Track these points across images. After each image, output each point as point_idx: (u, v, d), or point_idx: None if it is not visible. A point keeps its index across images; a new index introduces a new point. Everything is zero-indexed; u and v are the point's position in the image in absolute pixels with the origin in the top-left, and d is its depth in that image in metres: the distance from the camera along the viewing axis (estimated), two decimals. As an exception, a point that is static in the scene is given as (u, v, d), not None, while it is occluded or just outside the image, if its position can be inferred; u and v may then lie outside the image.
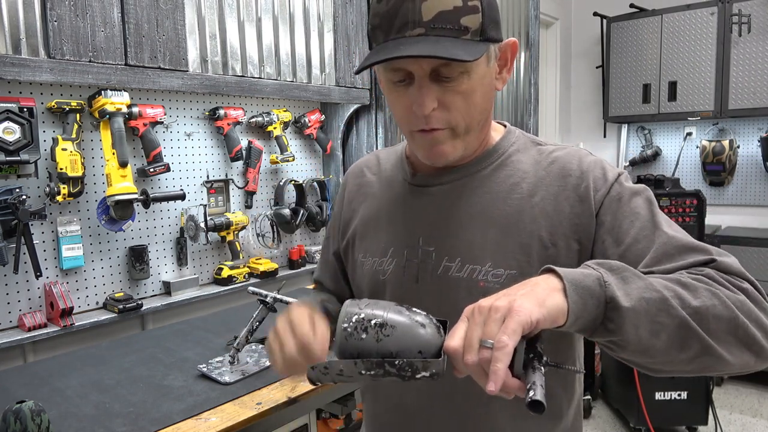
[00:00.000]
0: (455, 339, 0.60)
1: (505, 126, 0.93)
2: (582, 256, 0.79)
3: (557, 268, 0.63)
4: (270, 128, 2.24)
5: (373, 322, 0.63)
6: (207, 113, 2.06)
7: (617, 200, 0.79)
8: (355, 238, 0.97)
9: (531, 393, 0.55)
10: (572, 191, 0.81)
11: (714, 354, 0.63)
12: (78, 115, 1.65)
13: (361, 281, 0.95)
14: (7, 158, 1.48)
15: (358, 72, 0.78)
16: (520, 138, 0.90)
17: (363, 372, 0.63)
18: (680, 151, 4.00)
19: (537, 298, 0.59)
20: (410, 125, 0.80)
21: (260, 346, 1.53)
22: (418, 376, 0.62)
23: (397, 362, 0.62)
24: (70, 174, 1.60)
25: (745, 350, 0.65)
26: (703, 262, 0.71)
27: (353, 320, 0.64)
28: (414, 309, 0.66)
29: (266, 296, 1.40)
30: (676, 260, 0.72)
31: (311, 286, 1.18)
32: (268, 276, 2.19)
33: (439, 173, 0.88)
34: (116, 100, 1.65)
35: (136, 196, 1.71)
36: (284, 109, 2.31)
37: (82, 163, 1.63)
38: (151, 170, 1.83)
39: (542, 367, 0.58)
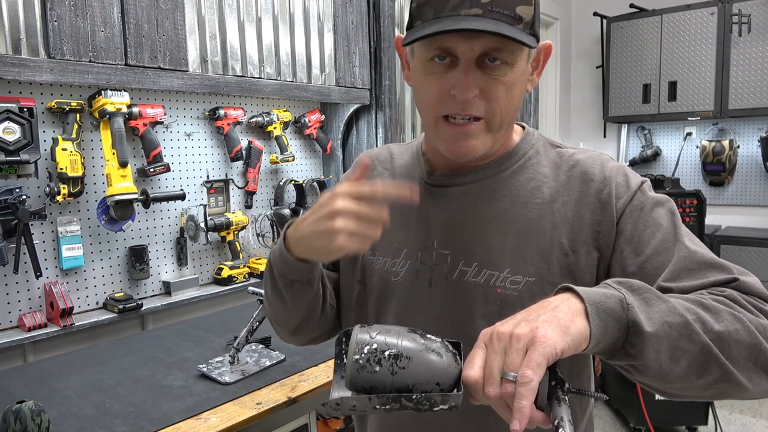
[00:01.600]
0: (475, 369, 0.55)
1: (523, 127, 0.90)
2: (601, 264, 0.77)
3: (577, 288, 0.59)
4: (270, 128, 2.24)
5: (387, 353, 0.58)
6: (207, 113, 2.06)
7: (639, 209, 0.77)
8: None
9: (561, 431, 0.52)
10: (594, 197, 0.78)
11: (734, 381, 0.61)
12: (78, 115, 1.65)
13: (369, 281, 0.91)
14: (7, 158, 1.48)
15: (408, 43, 0.73)
16: (539, 140, 0.87)
17: (378, 407, 0.58)
18: (680, 151, 4.00)
19: (560, 326, 0.55)
20: (440, 109, 0.75)
21: (260, 346, 1.53)
22: (436, 409, 0.58)
23: (414, 396, 0.58)
24: (70, 174, 1.60)
25: (765, 377, 0.63)
26: (725, 282, 0.69)
27: (365, 351, 0.58)
28: (428, 336, 0.61)
29: (266, 296, 1.40)
30: (697, 277, 0.70)
31: None
32: (268, 276, 2.19)
33: (457, 174, 0.84)
34: (116, 100, 1.64)
35: (136, 196, 1.71)
36: (284, 109, 2.31)
37: (82, 163, 1.63)
38: (151, 170, 1.83)
39: (566, 397, 0.55)
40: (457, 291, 0.80)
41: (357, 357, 0.59)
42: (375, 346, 0.59)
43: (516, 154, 0.84)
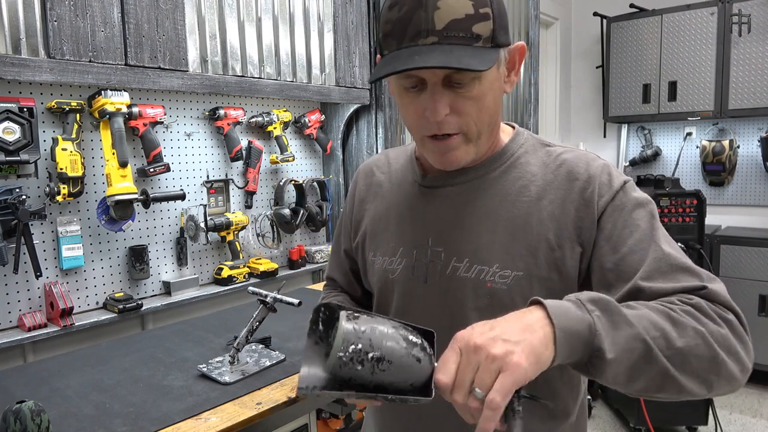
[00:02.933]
0: (446, 375, 0.60)
1: (513, 127, 0.93)
2: (584, 259, 0.81)
3: (550, 308, 0.62)
4: (270, 128, 2.24)
5: (370, 355, 0.62)
6: (207, 113, 2.06)
7: (620, 209, 0.79)
8: (366, 237, 0.99)
9: None
10: (578, 195, 0.81)
11: (690, 392, 0.66)
12: (78, 115, 1.65)
13: (372, 279, 0.97)
14: (7, 158, 1.48)
15: (372, 81, 0.79)
16: (528, 140, 0.91)
17: (355, 399, 0.63)
18: (680, 151, 4.00)
19: (534, 354, 0.58)
20: (422, 131, 0.81)
21: (260, 346, 1.53)
22: (407, 403, 0.64)
23: (389, 397, 0.62)
24: (70, 174, 1.60)
25: (724, 384, 0.68)
26: (694, 288, 0.72)
27: (350, 350, 0.62)
28: (411, 337, 0.64)
29: (266, 296, 1.40)
30: (669, 279, 0.73)
31: (322, 284, 1.19)
32: (268, 276, 2.19)
33: (448, 175, 0.89)
34: (116, 100, 1.64)
35: (136, 196, 1.71)
36: (284, 109, 2.31)
37: (82, 163, 1.63)
38: (151, 170, 1.83)
39: (520, 409, 0.59)
40: (450, 285, 0.85)
41: (341, 354, 0.61)
42: (360, 346, 0.62)
43: (504, 155, 0.88)
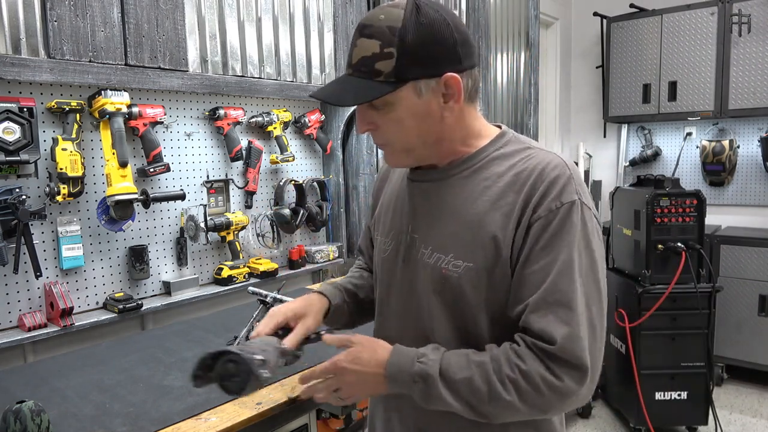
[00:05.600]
0: (310, 389, 0.96)
1: (500, 128, 1.00)
2: (512, 254, 0.89)
3: (389, 376, 0.89)
4: (270, 128, 2.23)
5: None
6: (207, 113, 2.06)
7: (544, 227, 0.86)
8: (376, 218, 1.13)
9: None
10: (526, 198, 0.88)
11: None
12: (78, 115, 1.65)
13: (374, 255, 1.12)
14: (7, 158, 1.48)
15: (313, 96, 0.95)
16: (510, 142, 0.96)
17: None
18: (680, 151, 4.00)
19: (372, 393, 0.97)
20: None
21: (260, 346, 1.53)
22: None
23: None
24: (70, 174, 1.59)
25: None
26: (548, 341, 0.82)
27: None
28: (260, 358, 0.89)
29: (266, 296, 1.40)
30: (542, 315, 0.83)
31: (321, 284, 1.26)
32: (268, 276, 2.19)
33: (430, 171, 0.99)
34: (116, 100, 1.64)
35: (136, 196, 1.71)
36: (284, 109, 2.31)
37: (82, 163, 1.63)
38: (151, 170, 1.83)
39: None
40: (417, 268, 0.97)
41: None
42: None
43: (477, 157, 0.96)
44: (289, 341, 0.98)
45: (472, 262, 0.89)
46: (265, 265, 2.20)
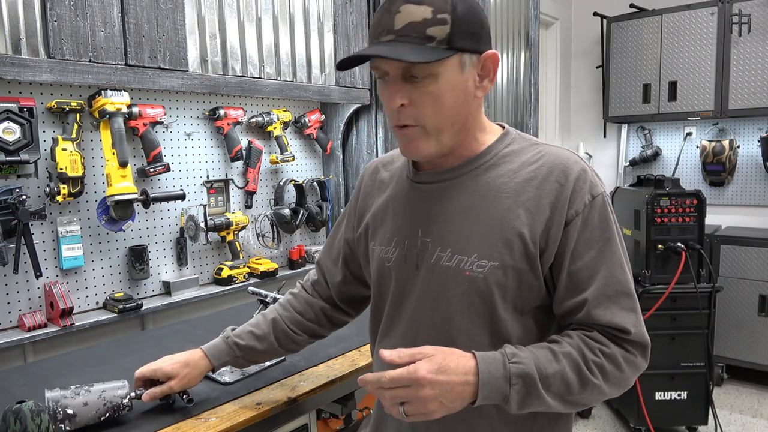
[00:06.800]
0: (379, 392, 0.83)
1: (503, 127, 0.99)
2: (546, 255, 0.88)
3: (482, 380, 0.80)
4: (270, 128, 2.24)
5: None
6: (207, 113, 2.06)
7: (585, 223, 0.87)
8: (369, 229, 1.08)
9: None
10: (554, 196, 0.88)
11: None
12: (78, 115, 1.65)
13: (371, 266, 1.06)
14: (7, 158, 1.48)
15: (339, 68, 0.88)
16: (516, 139, 0.96)
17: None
18: (680, 151, 3.99)
19: (450, 410, 0.81)
20: (390, 121, 0.91)
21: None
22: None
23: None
24: (70, 174, 1.60)
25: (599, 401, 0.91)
26: (621, 330, 0.86)
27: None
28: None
29: (266, 296, 1.40)
30: (607, 307, 0.86)
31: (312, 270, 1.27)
32: (268, 276, 2.19)
33: (436, 172, 0.96)
34: (116, 100, 1.64)
35: (136, 196, 1.71)
36: (284, 109, 2.31)
37: (82, 163, 1.63)
38: (151, 170, 1.83)
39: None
40: (435, 273, 0.93)
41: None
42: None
43: (488, 153, 0.94)
44: (147, 396, 1.11)
45: (497, 261, 0.88)
46: (265, 265, 2.20)
